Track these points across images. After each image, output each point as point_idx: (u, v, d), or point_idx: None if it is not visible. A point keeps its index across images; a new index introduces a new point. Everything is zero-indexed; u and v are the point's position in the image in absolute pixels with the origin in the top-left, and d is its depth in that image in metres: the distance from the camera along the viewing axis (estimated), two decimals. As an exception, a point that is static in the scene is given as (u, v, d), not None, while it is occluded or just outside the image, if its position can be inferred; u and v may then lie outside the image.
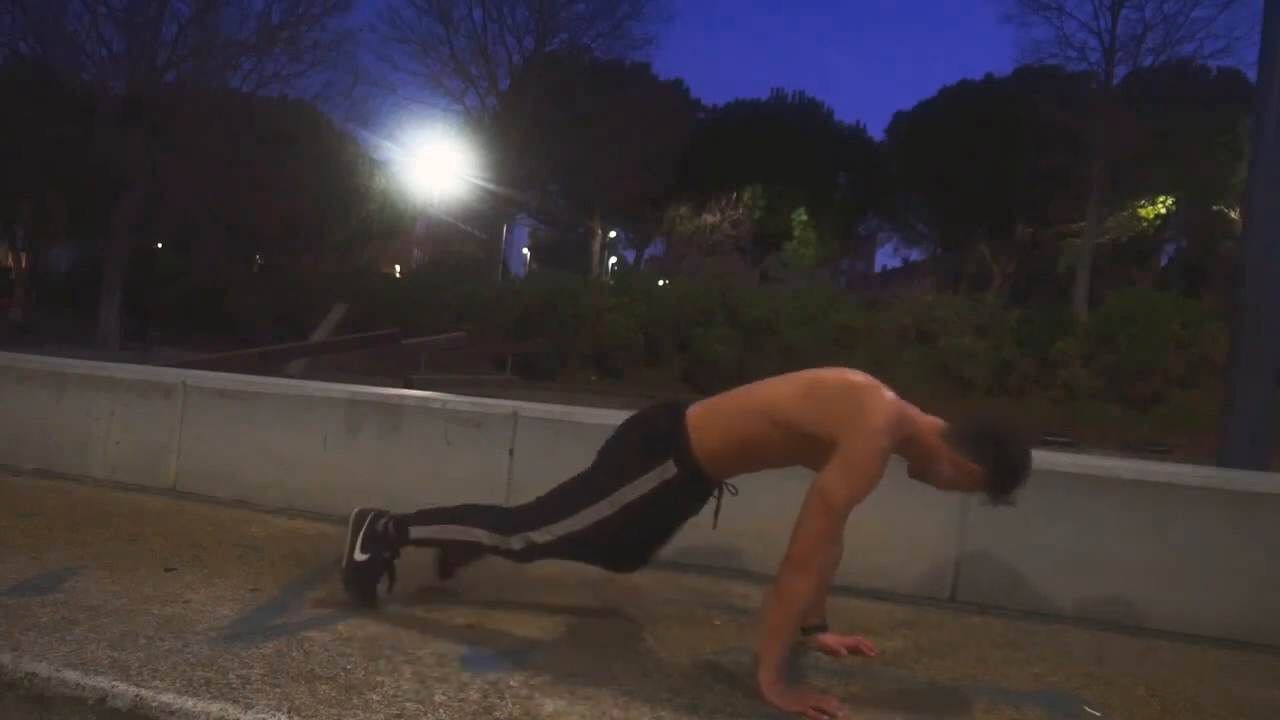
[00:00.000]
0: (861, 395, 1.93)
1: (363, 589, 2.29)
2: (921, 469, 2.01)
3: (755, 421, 2.02)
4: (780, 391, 2.03)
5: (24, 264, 26.66)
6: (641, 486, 2.05)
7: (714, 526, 2.16)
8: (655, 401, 2.25)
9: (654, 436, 2.10)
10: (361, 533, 2.30)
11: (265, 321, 19.03)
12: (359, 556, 2.29)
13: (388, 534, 2.30)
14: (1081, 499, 2.80)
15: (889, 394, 1.95)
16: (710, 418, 2.06)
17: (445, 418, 3.39)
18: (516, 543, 2.15)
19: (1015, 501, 1.95)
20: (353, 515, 2.34)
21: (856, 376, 1.99)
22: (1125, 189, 24.23)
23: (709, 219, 31.21)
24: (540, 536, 2.13)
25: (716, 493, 2.16)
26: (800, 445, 1.98)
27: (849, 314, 19.69)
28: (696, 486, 2.09)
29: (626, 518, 2.07)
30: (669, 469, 2.04)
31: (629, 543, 2.19)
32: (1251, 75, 5.94)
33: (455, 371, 13.57)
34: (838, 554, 2.24)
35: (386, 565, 2.31)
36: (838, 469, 1.86)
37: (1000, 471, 1.92)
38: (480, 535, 2.20)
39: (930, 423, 1.99)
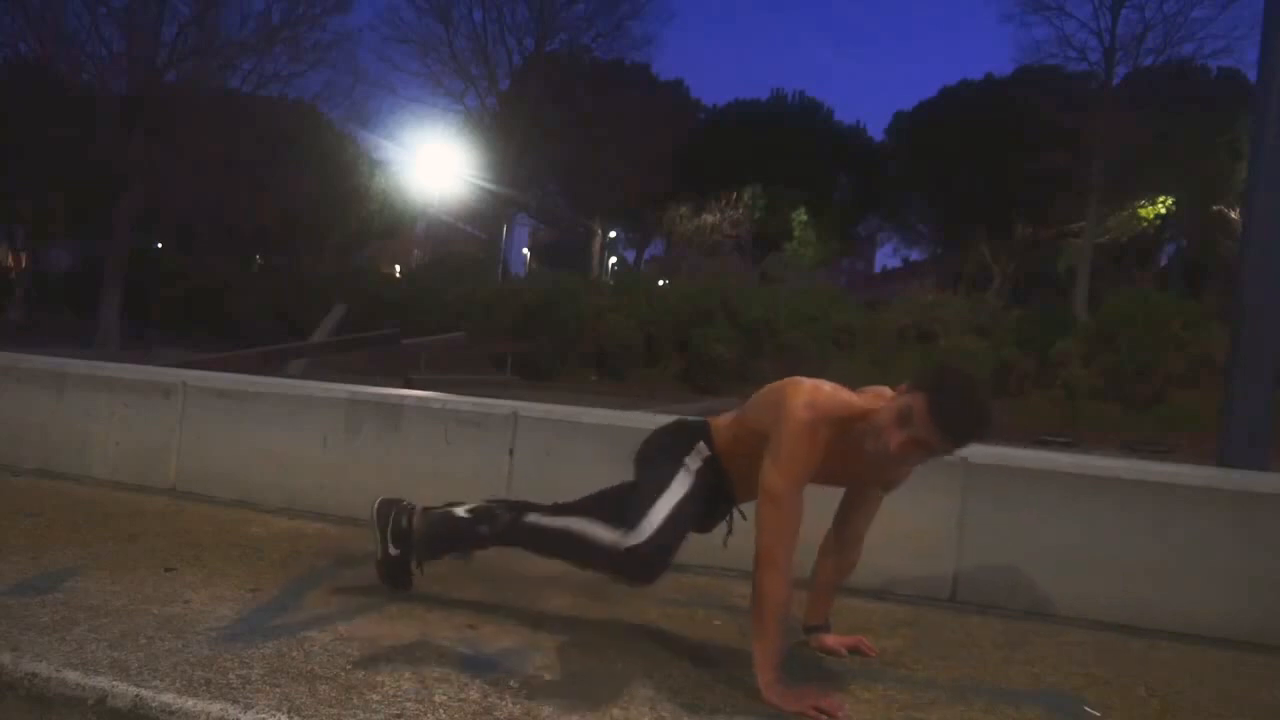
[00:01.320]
0: (784, 386, 1.99)
1: (399, 579, 2.35)
2: (871, 436, 1.86)
3: (737, 426, 2.13)
4: (752, 400, 2.14)
5: (24, 264, 26.65)
6: (691, 466, 2.08)
7: (724, 545, 2.22)
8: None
9: (687, 428, 2.22)
10: (389, 529, 2.33)
11: (265, 321, 19.01)
12: (393, 551, 2.33)
13: (411, 531, 2.32)
14: (1081, 499, 2.80)
15: (815, 382, 1.96)
16: (721, 422, 2.19)
17: (445, 418, 3.39)
18: (634, 537, 1.92)
19: (973, 437, 1.81)
20: (376, 508, 2.35)
21: (794, 378, 2.01)
22: (1125, 189, 24.24)
23: (709, 219, 31.22)
24: (651, 523, 1.94)
25: (729, 518, 2.24)
26: (762, 448, 2.00)
27: (849, 314, 19.69)
28: (719, 480, 2.13)
29: (690, 503, 2.02)
30: (704, 449, 2.11)
31: (685, 532, 2.07)
32: (1251, 75, 5.93)
33: (455, 371, 13.58)
34: (854, 560, 2.26)
35: (414, 551, 2.36)
36: (768, 459, 1.91)
37: (943, 397, 1.76)
38: (599, 530, 2.00)
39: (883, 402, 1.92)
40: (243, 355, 9.47)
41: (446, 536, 2.27)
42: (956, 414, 1.77)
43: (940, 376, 1.83)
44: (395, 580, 2.37)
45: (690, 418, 2.30)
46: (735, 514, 2.24)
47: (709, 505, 2.15)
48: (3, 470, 3.80)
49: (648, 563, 1.92)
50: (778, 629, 1.89)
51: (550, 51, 28.42)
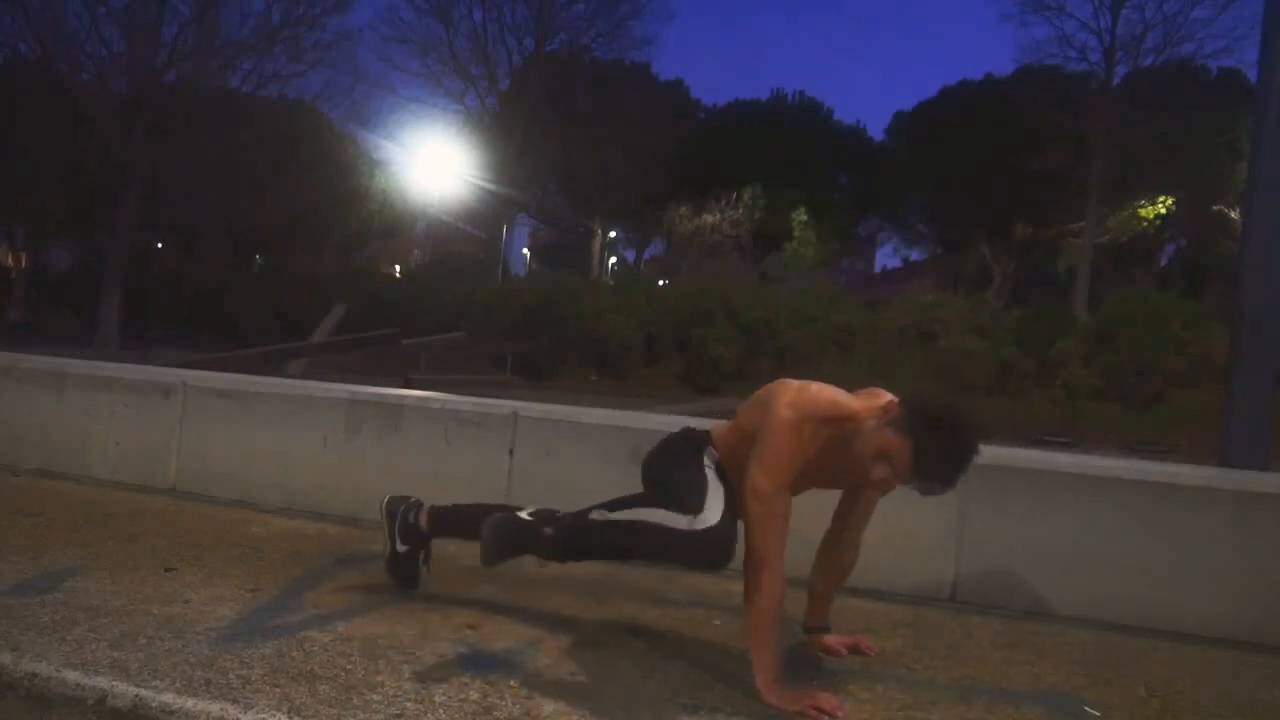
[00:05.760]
0: (772, 387, 2.01)
1: (406, 576, 2.43)
2: (854, 456, 1.87)
3: (734, 433, 2.13)
4: (742, 406, 2.15)
5: (24, 264, 26.66)
6: (710, 462, 2.09)
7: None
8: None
9: (693, 437, 2.20)
10: (396, 525, 2.41)
11: (265, 321, 19.01)
12: (401, 548, 2.41)
13: (419, 527, 2.41)
14: (1081, 499, 2.80)
15: (802, 382, 1.98)
16: (721, 430, 2.19)
17: (445, 418, 3.39)
18: (700, 522, 1.93)
19: (946, 482, 1.77)
20: (384, 505, 2.45)
21: (783, 379, 2.04)
22: (1125, 189, 24.24)
23: (709, 219, 31.21)
24: (706, 519, 1.95)
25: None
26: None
27: (849, 314, 19.69)
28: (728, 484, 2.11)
29: (725, 490, 2.04)
30: (714, 452, 2.12)
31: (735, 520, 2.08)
32: (1251, 75, 5.94)
33: (455, 371, 13.58)
34: (852, 560, 2.25)
35: (425, 548, 2.44)
36: (752, 459, 1.92)
37: (918, 409, 1.76)
38: (671, 517, 1.98)
39: (870, 406, 1.91)
40: (242, 355, 9.47)
41: (514, 539, 2.17)
42: (937, 466, 1.75)
43: (927, 424, 1.74)
44: (402, 578, 2.44)
45: (695, 428, 2.28)
46: None
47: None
48: (3, 470, 3.80)
49: (724, 542, 1.93)
50: (774, 628, 1.89)
51: (550, 51, 28.43)
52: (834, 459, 1.94)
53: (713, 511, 1.94)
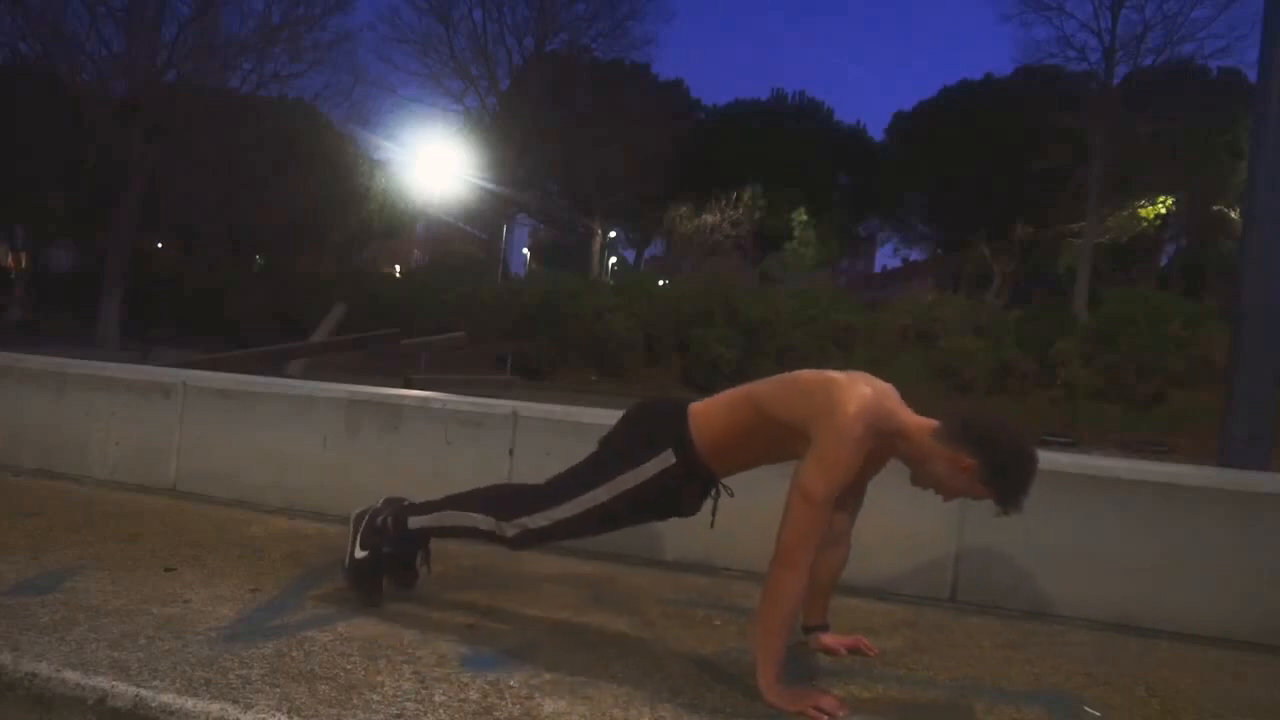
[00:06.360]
0: (833, 388, 1.93)
1: (366, 587, 2.31)
2: (919, 473, 1.98)
3: (745, 410, 2.06)
4: (768, 385, 2.08)
5: (24, 264, 26.67)
6: (640, 475, 2.07)
7: (711, 526, 2.16)
8: (658, 396, 2.30)
9: (656, 425, 2.13)
10: (360, 530, 2.32)
11: (265, 321, 19.02)
12: (358, 554, 2.31)
13: (386, 528, 2.31)
14: (1081, 499, 2.80)
15: (866, 388, 1.93)
16: (710, 410, 2.10)
17: (445, 418, 3.39)
18: (511, 529, 2.17)
19: (1022, 506, 1.88)
20: (352, 516, 2.37)
21: (836, 373, 2.00)
22: (1125, 189, 24.27)
23: (709, 219, 31.23)
24: (535, 522, 2.15)
25: (714, 493, 2.17)
26: (782, 436, 1.99)
27: (849, 314, 19.72)
28: (693, 479, 2.10)
29: (621, 505, 2.10)
30: (668, 458, 2.06)
31: (611, 527, 2.24)
32: (1251, 75, 5.94)
33: (455, 371, 13.58)
34: (844, 555, 2.24)
35: (387, 560, 2.33)
36: (812, 462, 1.87)
37: (994, 460, 1.84)
38: (478, 520, 2.22)
39: (921, 421, 1.96)
40: (242, 355, 9.46)
41: (369, 573, 2.32)
42: (1020, 500, 1.88)
43: (1018, 470, 1.87)
44: (362, 587, 2.31)
45: (669, 405, 2.17)
46: (723, 490, 2.17)
47: (671, 500, 2.13)
48: (3, 470, 3.79)
49: (521, 544, 2.22)
50: (785, 630, 1.88)
51: (550, 51, 28.46)
52: (869, 462, 1.98)
53: (535, 522, 2.14)
